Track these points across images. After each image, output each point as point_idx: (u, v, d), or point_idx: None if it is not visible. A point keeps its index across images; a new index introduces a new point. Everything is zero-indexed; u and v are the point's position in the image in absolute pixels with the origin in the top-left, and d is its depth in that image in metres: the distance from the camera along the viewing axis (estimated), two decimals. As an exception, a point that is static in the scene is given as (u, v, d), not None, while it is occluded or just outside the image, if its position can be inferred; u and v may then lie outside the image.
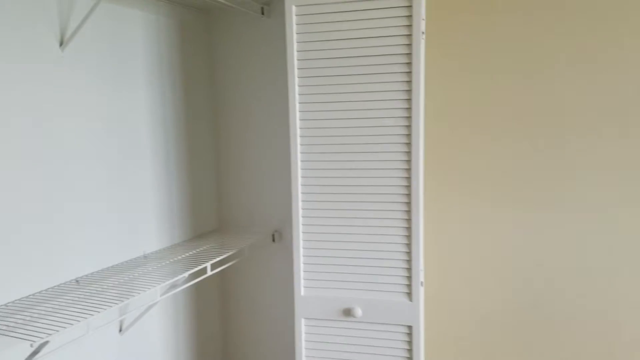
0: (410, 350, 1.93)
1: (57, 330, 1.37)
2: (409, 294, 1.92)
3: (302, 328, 2.02)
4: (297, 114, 1.97)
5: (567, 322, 2.13)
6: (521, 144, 2.12)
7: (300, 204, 2.00)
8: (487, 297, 2.22)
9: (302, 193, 1.99)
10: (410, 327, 1.93)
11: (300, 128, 1.97)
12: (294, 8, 1.91)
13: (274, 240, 2.49)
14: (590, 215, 2.06)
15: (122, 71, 1.95)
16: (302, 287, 2.02)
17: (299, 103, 1.96)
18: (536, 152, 2.10)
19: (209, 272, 1.97)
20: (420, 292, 1.92)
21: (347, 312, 1.97)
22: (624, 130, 2.00)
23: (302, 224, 2.00)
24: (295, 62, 1.94)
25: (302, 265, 2.01)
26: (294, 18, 1.92)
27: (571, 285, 2.11)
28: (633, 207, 2.01)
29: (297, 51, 1.94)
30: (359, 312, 1.95)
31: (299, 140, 1.97)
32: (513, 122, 2.12)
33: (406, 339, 1.93)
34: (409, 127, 1.87)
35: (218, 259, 2.02)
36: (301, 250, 2.01)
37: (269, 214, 2.49)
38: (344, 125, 1.93)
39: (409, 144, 1.88)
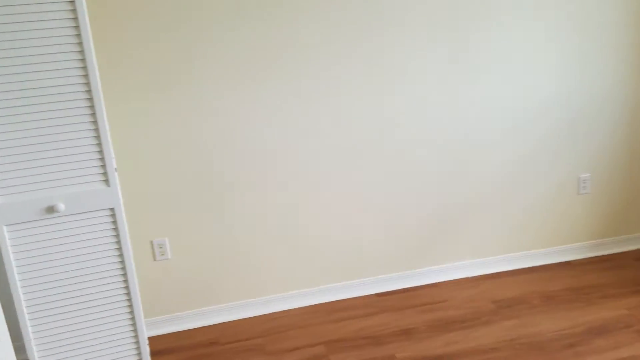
0: (116, 229, 2.19)
1: None
2: (106, 181, 2.15)
3: (6, 235, 2.07)
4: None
5: (230, 194, 2.68)
6: (181, 35, 2.45)
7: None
8: (171, 172, 2.59)
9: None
10: (112, 209, 2.17)
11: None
12: None
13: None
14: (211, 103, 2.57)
15: None
16: (-4, 197, 2.04)
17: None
18: (187, 45, 2.47)
19: None
20: (116, 177, 2.16)
21: (50, 210, 2.10)
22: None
23: (-18, 136, 1.99)
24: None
25: (-10, 176, 2.02)
26: None
27: (229, 164, 2.63)
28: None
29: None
30: (61, 206, 2.09)
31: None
32: (173, 11, 2.42)
33: (111, 220, 2.18)
34: (77, 27, 1.99)
35: None
36: (-14, 161, 2.01)
37: None
38: (10, 30, 1.94)
39: (80, 43, 2.01)
